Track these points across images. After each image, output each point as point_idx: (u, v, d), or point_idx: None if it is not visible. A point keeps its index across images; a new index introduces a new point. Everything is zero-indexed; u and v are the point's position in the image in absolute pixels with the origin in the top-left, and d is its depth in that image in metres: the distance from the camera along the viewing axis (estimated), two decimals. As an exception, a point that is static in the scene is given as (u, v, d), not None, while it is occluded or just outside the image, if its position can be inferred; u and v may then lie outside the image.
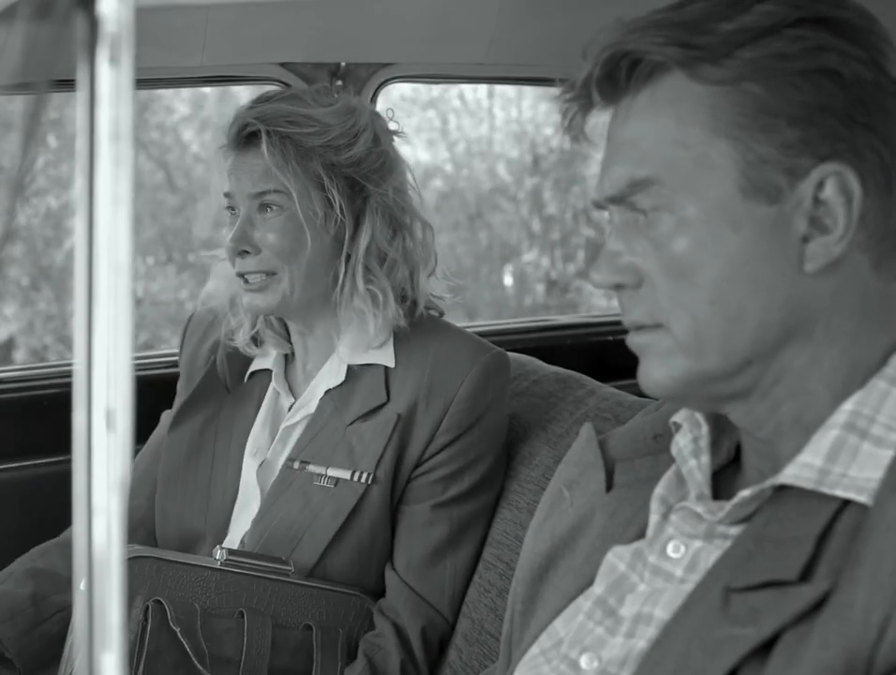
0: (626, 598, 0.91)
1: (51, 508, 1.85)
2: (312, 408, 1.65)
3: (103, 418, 0.48)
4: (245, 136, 1.60)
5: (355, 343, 1.62)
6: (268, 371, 1.72)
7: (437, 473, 1.58)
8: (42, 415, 2.06)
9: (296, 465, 1.60)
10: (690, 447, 0.93)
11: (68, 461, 0.49)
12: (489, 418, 1.60)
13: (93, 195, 0.48)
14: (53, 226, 6.63)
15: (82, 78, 0.48)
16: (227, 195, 1.63)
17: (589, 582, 0.95)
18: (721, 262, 0.83)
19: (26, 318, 6.51)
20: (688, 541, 0.89)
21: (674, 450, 0.94)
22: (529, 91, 7.32)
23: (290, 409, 1.69)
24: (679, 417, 0.96)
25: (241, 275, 1.61)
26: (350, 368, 1.63)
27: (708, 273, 0.83)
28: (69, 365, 2.14)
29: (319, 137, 1.58)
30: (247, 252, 1.59)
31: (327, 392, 1.64)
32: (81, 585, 0.49)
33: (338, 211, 1.59)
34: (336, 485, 1.56)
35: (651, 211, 0.85)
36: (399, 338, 1.62)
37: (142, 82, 1.95)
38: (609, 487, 1.00)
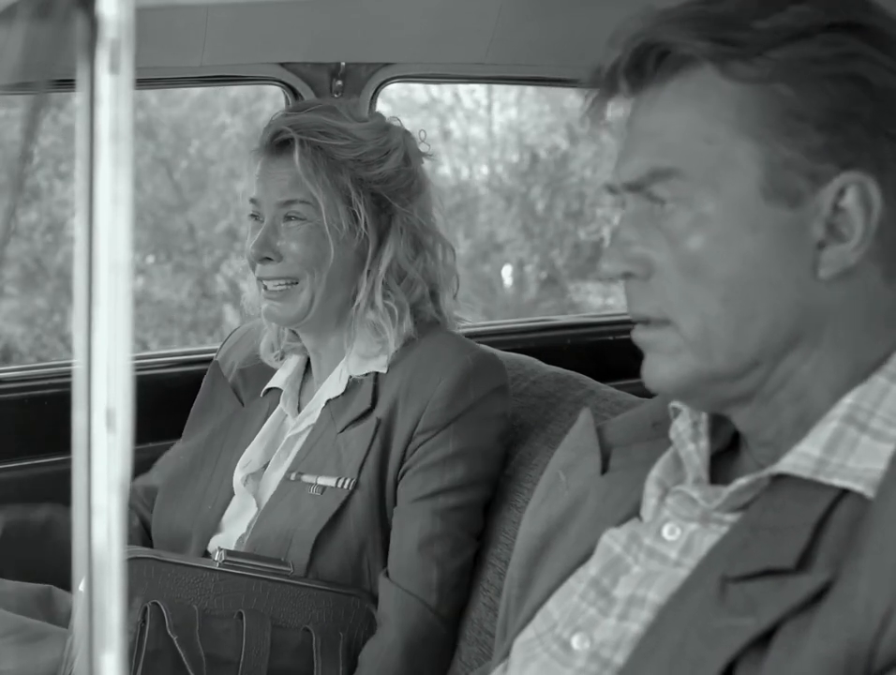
0: (620, 579, 0.90)
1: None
2: (315, 418, 1.66)
3: (103, 418, 0.48)
4: (277, 143, 1.62)
5: (363, 355, 1.64)
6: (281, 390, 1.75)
7: (413, 468, 1.57)
8: (42, 415, 2.06)
9: (293, 477, 1.62)
10: (689, 432, 0.93)
11: (68, 461, 0.49)
12: (471, 416, 1.58)
13: (93, 195, 0.48)
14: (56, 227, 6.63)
15: (81, 78, 0.48)
16: (253, 201, 1.65)
17: (580, 563, 0.95)
18: (736, 262, 0.83)
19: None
20: (684, 524, 0.89)
21: (672, 434, 0.94)
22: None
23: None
24: (678, 402, 0.96)
25: (261, 280, 1.64)
26: (350, 379, 1.64)
27: (721, 271, 0.83)
28: (69, 365, 2.13)
29: (350, 150, 1.61)
30: (269, 259, 1.62)
31: (328, 402, 1.65)
32: (80, 585, 0.49)
33: (363, 226, 1.62)
34: (322, 492, 1.57)
35: (669, 202, 0.85)
36: None
37: (142, 82, 1.95)
38: (604, 470, 1.00)
